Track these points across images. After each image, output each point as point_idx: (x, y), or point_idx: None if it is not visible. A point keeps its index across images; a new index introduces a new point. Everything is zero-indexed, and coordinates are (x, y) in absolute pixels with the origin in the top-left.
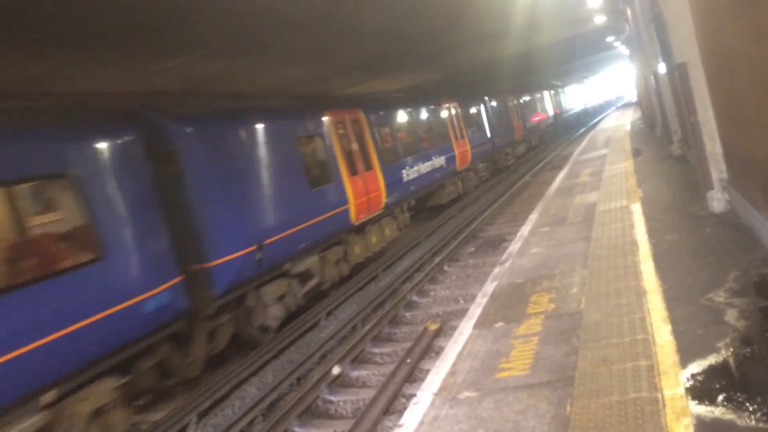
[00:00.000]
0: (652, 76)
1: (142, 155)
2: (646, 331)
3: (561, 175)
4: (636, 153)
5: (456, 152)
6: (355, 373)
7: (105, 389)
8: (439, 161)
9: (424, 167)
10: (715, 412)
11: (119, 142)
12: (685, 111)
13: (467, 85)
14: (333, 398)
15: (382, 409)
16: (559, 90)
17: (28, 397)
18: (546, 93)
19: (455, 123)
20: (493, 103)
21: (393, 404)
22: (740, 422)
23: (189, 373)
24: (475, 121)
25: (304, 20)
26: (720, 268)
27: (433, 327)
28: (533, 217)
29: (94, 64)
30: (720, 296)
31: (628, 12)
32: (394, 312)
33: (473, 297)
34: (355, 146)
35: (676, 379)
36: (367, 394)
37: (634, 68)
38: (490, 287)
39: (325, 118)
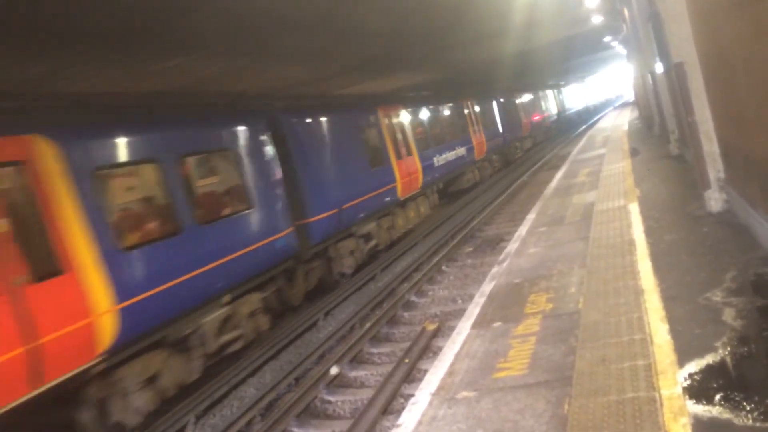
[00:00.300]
0: (649, 76)
1: (268, 138)
2: (644, 331)
3: (559, 175)
4: (634, 152)
5: (474, 144)
6: (353, 373)
7: (255, 299)
8: (461, 151)
9: (450, 155)
10: (713, 411)
11: (255, 128)
12: (683, 110)
13: (467, 85)
14: (331, 398)
15: (380, 409)
16: (563, 89)
17: (218, 296)
18: (550, 92)
19: (473, 118)
20: (503, 101)
21: (391, 404)
22: (737, 421)
23: (294, 301)
24: (489, 118)
25: (304, 20)
26: (718, 268)
27: (432, 327)
28: (531, 216)
29: (94, 64)
30: (717, 295)
31: (626, 12)
32: (392, 312)
33: (471, 297)
34: (399, 135)
35: (673, 379)
36: (366, 394)
37: (631, 68)
38: (488, 287)
39: (378, 112)
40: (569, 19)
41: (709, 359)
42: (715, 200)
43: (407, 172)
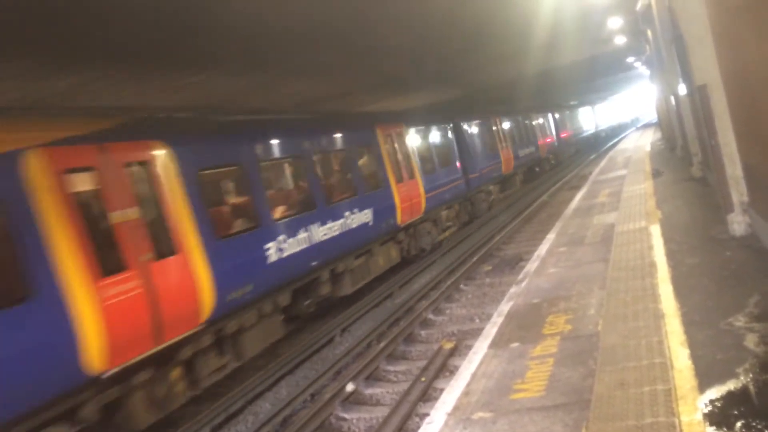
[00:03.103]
0: (672, 97)
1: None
2: (664, 355)
3: (579, 195)
4: (656, 174)
5: (546, 141)
6: (369, 391)
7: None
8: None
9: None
10: None
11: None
12: (706, 133)
13: (488, 103)
14: (346, 416)
15: (395, 427)
16: (602, 103)
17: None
18: (587, 107)
19: (544, 125)
20: (557, 114)
21: (406, 423)
22: None
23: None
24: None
25: (326, 40)
26: (740, 292)
27: (448, 346)
28: (551, 237)
29: (119, 78)
30: (740, 321)
31: (649, 33)
32: (409, 330)
33: (489, 316)
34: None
35: (693, 405)
36: (381, 412)
37: (654, 89)
38: (506, 307)
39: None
40: (591, 40)
41: (731, 386)
42: (738, 224)
43: (507, 157)
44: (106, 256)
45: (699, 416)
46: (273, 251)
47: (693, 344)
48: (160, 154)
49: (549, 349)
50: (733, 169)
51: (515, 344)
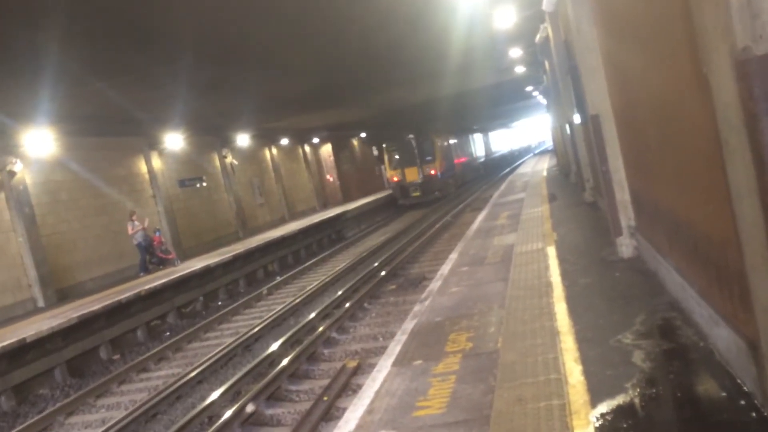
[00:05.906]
0: (567, 126)
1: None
2: (559, 371)
3: (481, 217)
4: (552, 198)
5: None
6: (270, 411)
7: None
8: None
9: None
10: None
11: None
12: (597, 160)
13: (409, 124)
14: None
15: None
16: (503, 130)
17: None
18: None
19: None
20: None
21: None
22: None
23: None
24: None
25: (241, 56)
26: (628, 311)
27: (352, 364)
28: (453, 257)
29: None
30: (628, 338)
31: (546, 64)
32: (312, 349)
33: (393, 334)
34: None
35: (586, 419)
36: None
37: (550, 117)
38: (409, 325)
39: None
40: (495, 68)
41: (620, 400)
42: (626, 246)
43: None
44: (456, 155)
45: (591, 430)
46: (463, 163)
47: (586, 361)
48: (452, 137)
49: (451, 366)
50: (622, 194)
51: (418, 362)
